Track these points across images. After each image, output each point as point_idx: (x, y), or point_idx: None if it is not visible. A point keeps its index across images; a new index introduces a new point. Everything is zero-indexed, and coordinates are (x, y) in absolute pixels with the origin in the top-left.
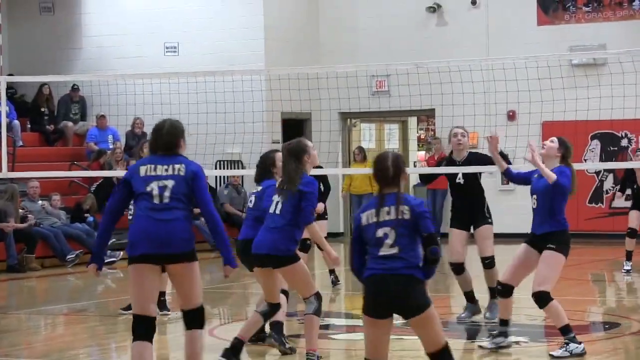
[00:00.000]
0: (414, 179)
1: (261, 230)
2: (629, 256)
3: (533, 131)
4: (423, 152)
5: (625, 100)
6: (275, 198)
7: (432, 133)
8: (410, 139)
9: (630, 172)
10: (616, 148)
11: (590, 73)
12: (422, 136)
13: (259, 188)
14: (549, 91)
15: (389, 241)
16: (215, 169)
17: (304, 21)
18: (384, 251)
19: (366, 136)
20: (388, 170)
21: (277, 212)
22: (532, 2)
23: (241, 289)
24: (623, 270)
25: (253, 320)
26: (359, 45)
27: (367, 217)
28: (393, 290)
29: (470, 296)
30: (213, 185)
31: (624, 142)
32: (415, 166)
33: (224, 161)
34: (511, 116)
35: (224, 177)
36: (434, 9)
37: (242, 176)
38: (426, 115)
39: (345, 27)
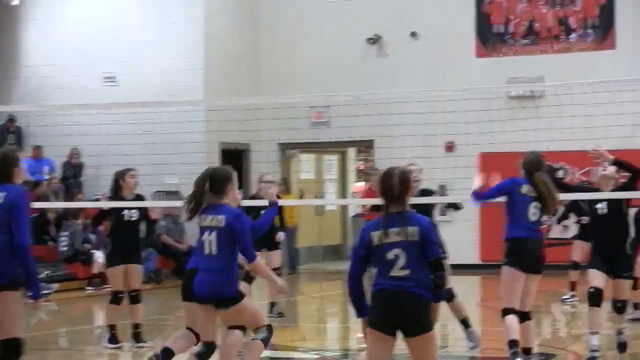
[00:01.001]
0: (352, 210)
1: (201, 272)
2: (572, 287)
3: (471, 162)
4: (362, 183)
5: (562, 132)
6: (206, 237)
7: (372, 164)
8: (349, 170)
9: (575, 202)
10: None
11: (527, 105)
12: (361, 167)
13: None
14: (487, 123)
15: (400, 263)
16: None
17: (244, 52)
18: (395, 272)
19: (305, 167)
20: (394, 187)
21: (213, 253)
22: (470, 35)
23: (180, 321)
24: (564, 298)
25: None
26: (299, 76)
27: (378, 237)
28: (404, 306)
29: (466, 323)
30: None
31: (561, 174)
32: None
33: (162, 192)
34: (449, 147)
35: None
36: (374, 40)
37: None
38: (365, 146)
39: (285, 58)
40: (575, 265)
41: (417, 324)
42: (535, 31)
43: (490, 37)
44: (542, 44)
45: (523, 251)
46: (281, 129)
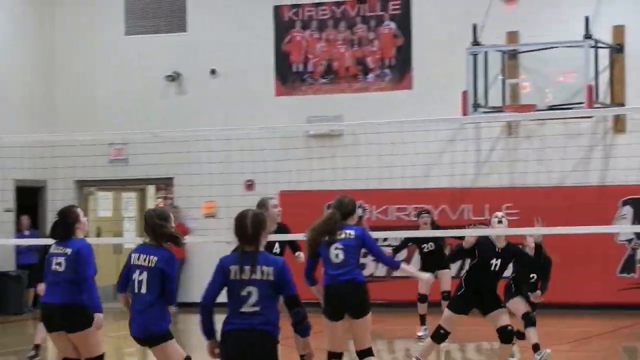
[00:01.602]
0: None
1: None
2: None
3: None
4: None
5: (359, 171)
6: (136, 276)
7: (171, 202)
8: (149, 208)
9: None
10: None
11: (326, 144)
12: (161, 205)
13: (66, 250)
14: (287, 161)
15: (251, 300)
16: None
17: (40, 86)
18: (246, 309)
19: (103, 205)
20: (247, 228)
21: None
22: (270, 73)
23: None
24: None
25: None
26: (98, 112)
27: (235, 271)
28: (248, 345)
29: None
30: None
31: (359, 212)
32: None
33: None
34: (249, 186)
35: None
36: (173, 77)
37: None
38: (165, 184)
39: (83, 94)
40: (423, 298)
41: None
42: (333, 70)
43: (290, 76)
44: (341, 84)
45: (331, 298)
46: (78, 166)
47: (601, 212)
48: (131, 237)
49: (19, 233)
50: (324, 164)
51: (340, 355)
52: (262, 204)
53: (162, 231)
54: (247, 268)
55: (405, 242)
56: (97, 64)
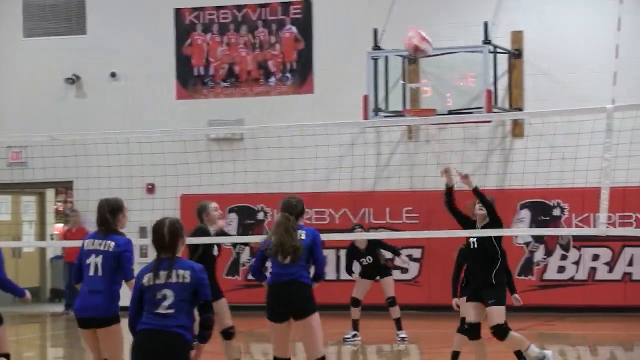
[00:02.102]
0: (50, 252)
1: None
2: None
3: (171, 204)
4: (61, 225)
5: (260, 175)
6: (91, 260)
7: (71, 205)
8: (48, 212)
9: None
10: (252, 221)
11: (227, 147)
12: (61, 208)
13: None
14: (188, 165)
15: (166, 303)
16: None
17: None
18: (160, 310)
19: (1, 209)
20: (164, 237)
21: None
22: (171, 76)
23: None
24: (345, 337)
25: None
26: None
27: (149, 279)
28: (159, 346)
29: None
30: None
31: (260, 216)
32: (52, 239)
33: None
34: (150, 189)
35: None
36: (73, 80)
37: None
38: (65, 187)
39: None
40: (356, 302)
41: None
42: (235, 74)
43: (191, 79)
44: (242, 87)
45: (273, 297)
46: None
47: (501, 215)
48: (31, 240)
49: None
50: (224, 168)
51: None
52: (203, 208)
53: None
54: (162, 273)
55: (349, 260)
56: None
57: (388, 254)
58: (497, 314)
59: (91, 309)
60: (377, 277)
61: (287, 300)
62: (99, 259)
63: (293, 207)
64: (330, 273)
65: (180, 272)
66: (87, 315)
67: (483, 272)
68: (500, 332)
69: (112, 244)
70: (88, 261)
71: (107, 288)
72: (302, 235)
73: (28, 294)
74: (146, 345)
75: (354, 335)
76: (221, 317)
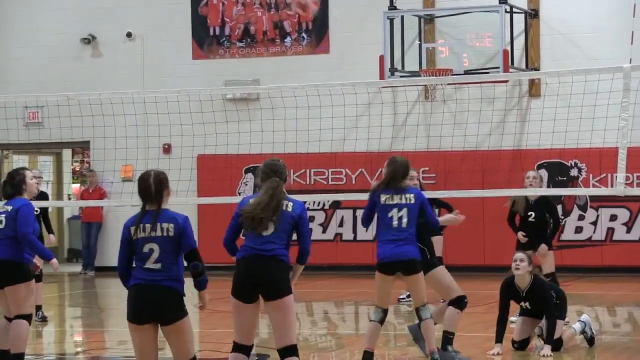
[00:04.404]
0: (68, 212)
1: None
2: None
3: (188, 164)
4: (78, 185)
5: (278, 134)
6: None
7: (88, 165)
8: (65, 172)
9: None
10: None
11: (243, 107)
12: (77, 168)
13: (8, 207)
14: (204, 125)
15: (153, 257)
16: None
17: None
18: (149, 265)
19: None
20: (150, 187)
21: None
22: (187, 36)
23: None
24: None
25: None
26: (12, 75)
27: (134, 230)
28: (153, 299)
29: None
30: None
31: None
32: (70, 199)
33: None
34: (167, 149)
35: None
36: (89, 40)
37: None
38: (81, 148)
39: None
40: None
41: (170, 313)
42: (251, 34)
43: (207, 39)
44: (258, 47)
45: (241, 273)
46: None
47: (517, 176)
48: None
49: None
50: (240, 128)
51: (245, 348)
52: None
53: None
54: (147, 226)
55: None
56: (11, 26)
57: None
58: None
59: None
60: None
61: (254, 276)
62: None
63: (281, 170)
64: (347, 233)
65: (165, 225)
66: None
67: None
68: None
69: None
70: None
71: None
72: (289, 207)
73: (55, 263)
74: (140, 301)
75: (409, 296)
76: None
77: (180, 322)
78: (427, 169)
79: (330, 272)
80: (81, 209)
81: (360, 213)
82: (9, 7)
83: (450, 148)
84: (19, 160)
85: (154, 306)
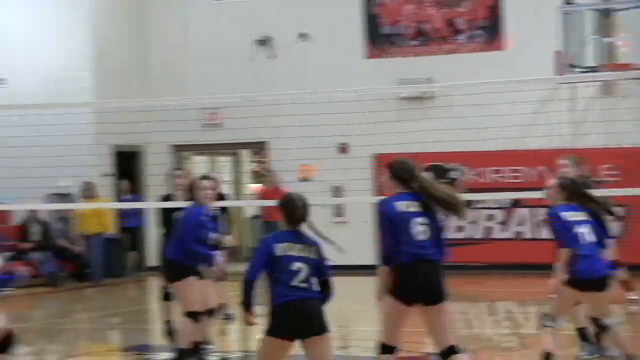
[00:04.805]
0: (248, 212)
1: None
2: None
3: (363, 164)
4: (260, 185)
5: (453, 133)
6: None
7: (266, 166)
8: (243, 172)
9: None
10: (448, 180)
11: (418, 106)
12: (258, 169)
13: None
14: (379, 124)
15: (301, 275)
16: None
17: (134, 52)
18: (296, 282)
19: (199, 169)
20: (298, 211)
21: None
22: (359, 36)
23: (73, 324)
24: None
25: None
26: (190, 77)
27: (283, 249)
28: (309, 313)
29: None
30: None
31: (456, 174)
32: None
33: (55, 194)
34: (343, 149)
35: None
36: (264, 41)
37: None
38: (259, 148)
39: (176, 59)
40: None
41: (321, 326)
42: (424, 32)
43: (380, 39)
44: (431, 45)
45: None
46: (173, 131)
47: None
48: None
49: (120, 197)
50: (416, 126)
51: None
52: None
53: None
54: (296, 246)
55: None
56: (188, 29)
57: None
58: None
59: None
60: None
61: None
62: None
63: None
64: (526, 232)
65: (312, 247)
66: None
67: None
68: None
69: None
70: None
71: None
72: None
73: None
74: (294, 314)
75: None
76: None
77: (328, 335)
78: (609, 165)
79: (511, 271)
80: (263, 208)
81: (537, 212)
82: (187, 11)
83: (631, 144)
84: (198, 161)
85: (311, 319)
